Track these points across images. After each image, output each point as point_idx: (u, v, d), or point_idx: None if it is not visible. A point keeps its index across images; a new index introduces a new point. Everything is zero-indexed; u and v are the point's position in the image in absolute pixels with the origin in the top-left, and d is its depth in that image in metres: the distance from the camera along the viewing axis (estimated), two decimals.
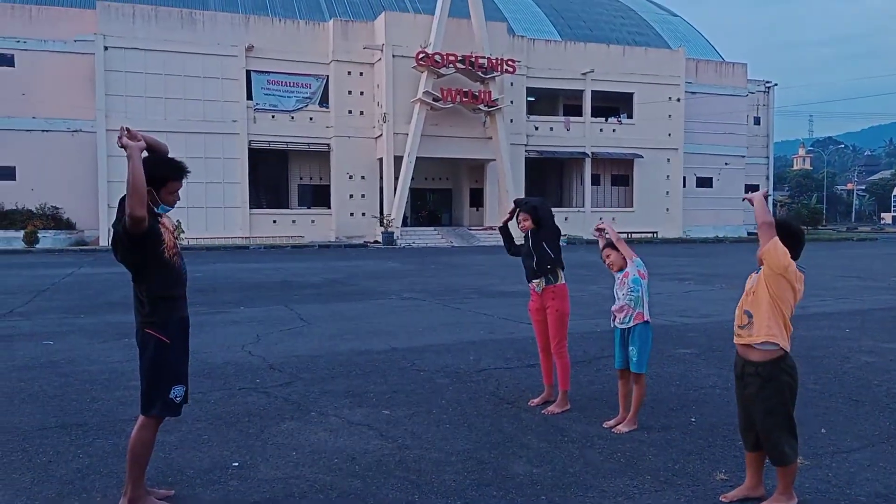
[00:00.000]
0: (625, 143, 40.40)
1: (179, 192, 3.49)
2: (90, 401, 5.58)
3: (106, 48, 32.25)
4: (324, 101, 35.81)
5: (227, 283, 15.12)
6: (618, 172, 42.13)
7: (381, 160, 35.13)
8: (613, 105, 41.48)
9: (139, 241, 3.27)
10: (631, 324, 4.84)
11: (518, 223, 5.42)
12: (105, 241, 31.16)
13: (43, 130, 32.58)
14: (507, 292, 13.13)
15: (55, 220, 32.15)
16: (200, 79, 33.46)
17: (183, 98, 33.15)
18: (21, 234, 29.72)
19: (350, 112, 35.67)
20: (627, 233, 37.91)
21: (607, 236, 5.04)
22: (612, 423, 4.90)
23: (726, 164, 44.17)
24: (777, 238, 3.30)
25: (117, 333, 8.65)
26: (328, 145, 35.77)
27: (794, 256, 3.37)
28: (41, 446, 4.40)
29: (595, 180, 41.20)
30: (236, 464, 4.19)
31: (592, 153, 39.83)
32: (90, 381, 6.26)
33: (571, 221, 37.80)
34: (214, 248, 30.09)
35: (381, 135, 34.55)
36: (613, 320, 4.99)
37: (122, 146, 3.19)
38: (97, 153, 32.20)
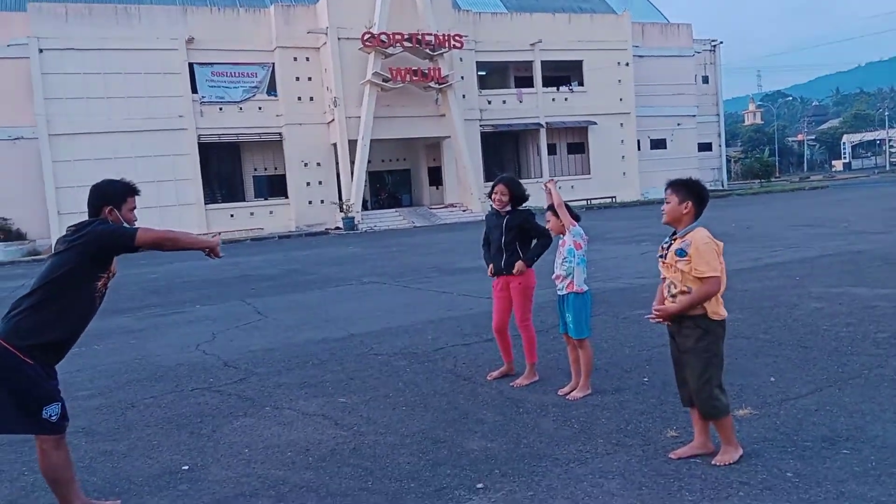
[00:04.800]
0: (578, 111, 40.51)
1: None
2: None
3: (41, 51, 31.05)
4: (271, 90, 35.11)
5: (183, 283, 14.82)
6: (573, 140, 42.27)
7: (335, 145, 34.66)
8: (564, 74, 41.46)
9: (109, 256, 3.36)
10: (565, 292, 4.84)
11: (493, 200, 5.33)
12: None
13: None
14: (467, 268, 13.11)
15: (4, 232, 31.11)
16: (142, 75, 32.44)
17: (125, 97, 32.13)
18: None
19: (299, 99, 35.04)
20: (586, 199, 38.23)
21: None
22: (566, 389, 4.92)
23: (678, 124, 44.64)
24: (707, 256, 3.35)
25: None
26: (280, 134, 35.15)
27: (700, 212, 3.48)
28: None
29: (551, 150, 41.28)
30: (186, 467, 4.10)
31: (547, 123, 39.87)
32: None
33: (530, 192, 37.64)
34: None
35: (333, 119, 34.05)
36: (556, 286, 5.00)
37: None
38: (41, 160, 31.17)
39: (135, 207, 3.53)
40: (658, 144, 44.58)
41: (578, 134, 41.92)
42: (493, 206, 5.34)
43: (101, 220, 3.36)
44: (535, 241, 5.27)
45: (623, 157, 41.56)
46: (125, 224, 3.42)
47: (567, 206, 4.91)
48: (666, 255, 3.50)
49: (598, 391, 4.86)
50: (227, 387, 5.84)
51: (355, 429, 4.53)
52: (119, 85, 32.03)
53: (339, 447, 4.21)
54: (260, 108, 34.88)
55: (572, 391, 4.87)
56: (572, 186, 39.68)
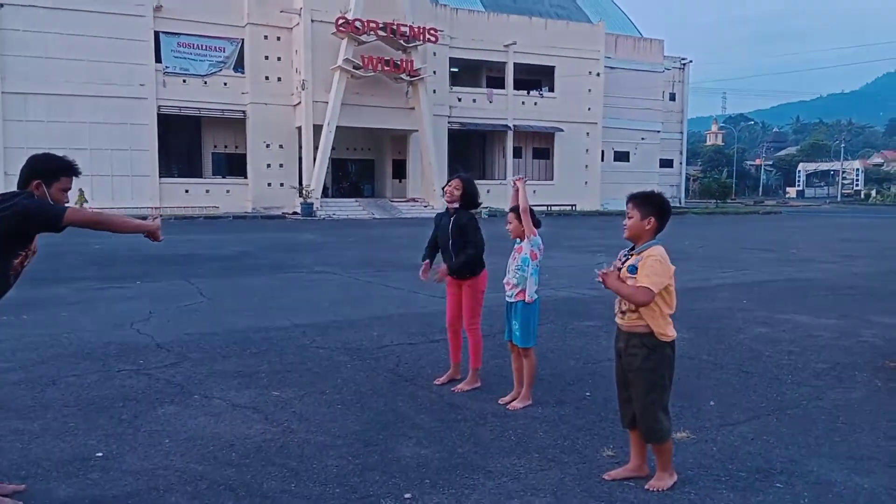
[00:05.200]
0: (546, 117, 40.74)
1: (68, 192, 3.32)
2: None
3: (1, 5, 29.80)
4: (239, 66, 34.41)
5: (127, 256, 14.33)
6: (539, 145, 42.52)
7: (299, 129, 34.14)
8: (535, 78, 41.67)
9: (31, 232, 3.18)
10: (514, 300, 4.73)
11: (444, 193, 5.16)
12: None
13: None
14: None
15: None
16: (105, 39, 31.41)
17: (86, 60, 31.08)
18: None
19: (267, 78, 34.43)
20: (547, 205, 38.42)
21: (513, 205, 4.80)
22: (507, 398, 4.82)
23: (643, 138, 45.30)
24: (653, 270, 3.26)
25: None
26: (244, 112, 34.47)
27: (662, 227, 3.39)
28: None
29: (517, 153, 41.46)
30: (100, 454, 3.86)
31: (514, 126, 40.00)
32: None
33: (493, 194, 37.64)
34: None
35: (300, 102, 33.54)
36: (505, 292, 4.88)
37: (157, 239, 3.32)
38: None
39: (68, 189, 3.28)
40: (622, 157, 45.19)
41: (545, 139, 42.18)
42: (444, 198, 5.20)
43: (28, 194, 3.13)
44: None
45: (586, 166, 41.97)
46: (51, 202, 3.19)
47: (531, 212, 4.77)
48: (620, 269, 3.41)
49: (539, 402, 4.77)
50: (156, 371, 5.58)
51: (286, 425, 4.35)
52: (80, 47, 30.98)
53: (266, 444, 4.03)
54: (225, 84, 34.16)
55: (513, 400, 4.77)
56: (535, 191, 39.76)
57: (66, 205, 3.20)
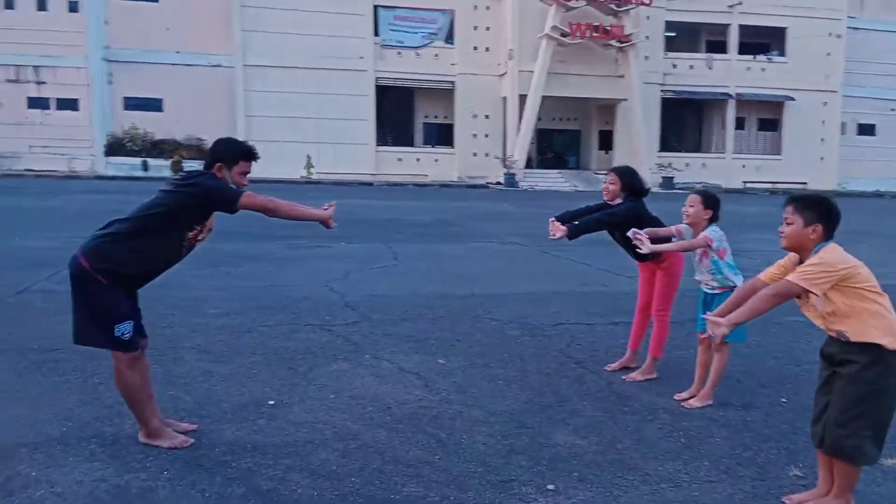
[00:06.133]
0: (775, 84, 36.74)
1: (248, 176, 3.49)
2: (165, 326, 5.73)
3: None
4: (449, 38, 35.25)
5: (338, 219, 15.24)
6: (765, 116, 38.63)
7: (505, 99, 34.28)
8: (763, 41, 37.65)
9: (208, 210, 3.34)
10: (715, 291, 4.21)
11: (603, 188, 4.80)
12: None
13: (186, 64, 34.38)
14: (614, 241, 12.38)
15: (199, 151, 34.23)
16: (330, 14, 33.77)
17: (313, 35, 33.69)
18: (168, 162, 31.91)
19: (475, 48, 34.89)
20: (772, 183, 35.08)
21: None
22: (684, 395, 4.36)
23: (893, 109, 39.21)
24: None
25: (214, 262, 8.96)
26: (452, 83, 35.33)
27: (830, 236, 2.91)
28: (98, 368, 4.48)
29: (739, 124, 38.01)
30: (272, 402, 4.11)
31: (737, 94, 36.65)
32: (174, 305, 6.45)
33: (710, 169, 35.43)
34: (341, 184, 30.87)
35: (507, 73, 33.60)
36: (700, 282, 4.38)
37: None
38: (234, 88, 33.66)
39: (247, 172, 3.44)
40: (866, 130, 39.62)
41: (772, 109, 38.20)
42: (605, 197, 4.79)
43: (211, 175, 3.34)
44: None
45: (822, 140, 37.43)
46: (230, 185, 3.38)
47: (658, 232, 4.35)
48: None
49: (722, 403, 4.26)
50: (339, 328, 5.86)
51: (443, 395, 4.31)
52: (309, 24, 33.58)
53: (420, 411, 4.02)
54: (436, 56, 35.19)
55: (691, 398, 4.30)
56: (758, 167, 36.51)
57: (245, 188, 3.38)
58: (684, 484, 3.20)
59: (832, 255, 2.80)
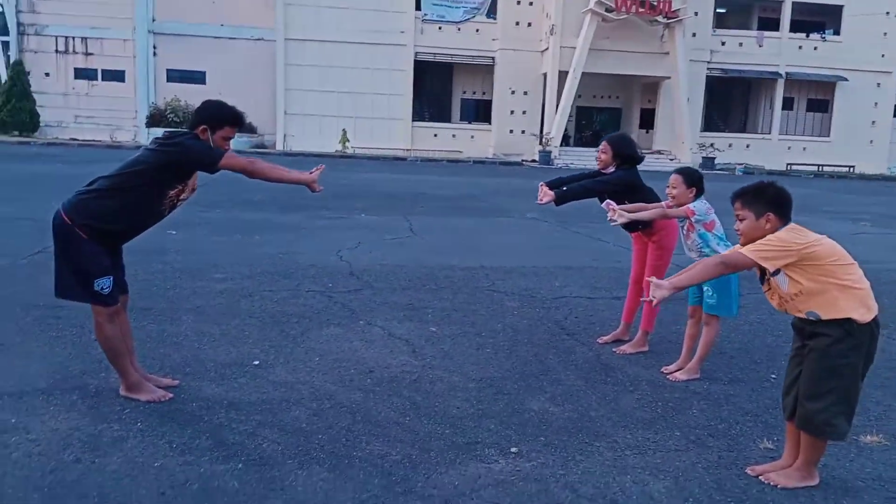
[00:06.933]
0: (827, 63, 35.31)
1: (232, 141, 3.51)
2: (169, 288, 5.87)
3: None
4: (491, 13, 34.77)
5: (365, 192, 15.45)
6: (815, 96, 37.23)
7: (545, 75, 33.75)
8: (818, 19, 36.20)
9: (188, 170, 3.39)
10: None
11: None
12: (281, 146, 33.21)
13: (230, 38, 34.74)
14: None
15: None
16: None
17: (354, 8, 33.62)
18: None
19: (517, 24, 34.35)
20: (818, 165, 33.96)
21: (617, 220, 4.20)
22: (672, 367, 4.30)
23: None
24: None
25: (234, 230, 9.12)
26: (493, 58, 34.92)
27: (786, 221, 2.83)
28: None
29: (787, 104, 36.72)
30: (257, 362, 4.19)
31: (787, 73, 35.38)
32: (183, 269, 6.60)
33: (754, 149, 34.42)
34: (376, 159, 30.97)
35: (548, 48, 33.04)
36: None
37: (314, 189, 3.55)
38: (275, 61, 33.89)
39: (230, 137, 3.45)
40: None
41: (823, 90, 36.81)
42: (598, 166, 4.71)
43: (193, 136, 3.38)
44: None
45: (873, 122, 35.96)
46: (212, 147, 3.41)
47: (642, 209, 4.24)
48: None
49: (709, 377, 4.19)
50: (339, 294, 5.92)
51: (428, 361, 4.33)
52: None
53: (401, 375, 4.05)
54: (477, 31, 34.78)
55: (678, 371, 4.24)
56: (805, 148, 35.33)
57: (229, 150, 3.40)
58: (649, 452, 3.16)
59: (789, 234, 2.76)
